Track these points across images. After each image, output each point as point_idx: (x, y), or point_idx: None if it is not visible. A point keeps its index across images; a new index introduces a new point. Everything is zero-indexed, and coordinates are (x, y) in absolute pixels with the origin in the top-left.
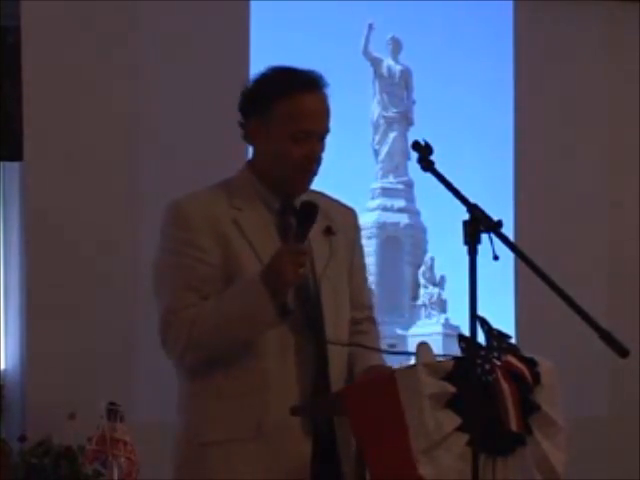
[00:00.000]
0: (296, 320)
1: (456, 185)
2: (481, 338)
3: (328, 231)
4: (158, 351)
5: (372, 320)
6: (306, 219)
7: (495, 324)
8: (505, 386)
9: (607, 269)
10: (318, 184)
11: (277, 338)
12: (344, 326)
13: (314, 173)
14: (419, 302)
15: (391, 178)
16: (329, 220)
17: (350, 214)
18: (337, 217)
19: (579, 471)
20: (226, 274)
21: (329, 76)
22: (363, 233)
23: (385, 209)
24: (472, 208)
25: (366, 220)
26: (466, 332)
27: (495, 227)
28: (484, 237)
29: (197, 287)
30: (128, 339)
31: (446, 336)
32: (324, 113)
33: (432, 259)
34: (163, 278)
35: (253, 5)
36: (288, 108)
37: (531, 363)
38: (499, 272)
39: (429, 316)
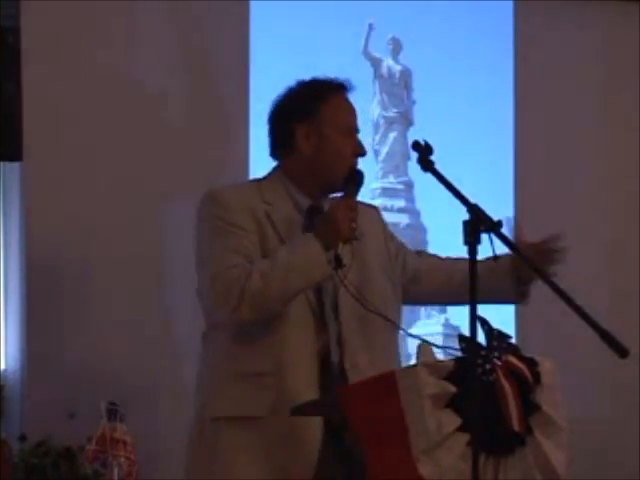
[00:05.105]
0: (314, 315)
1: (456, 185)
2: (481, 338)
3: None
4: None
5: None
6: (355, 180)
7: (495, 324)
8: (506, 386)
9: (607, 269)
10: None
11: (299, 324)
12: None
13: None
14: None
15: (391, 178)
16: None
17: (373, 211)
18: (361, 218)
19: (580, 471)
20: (262, 256)
21: (329, 76)
22: None
23: (385, 209)
24: (472, 208)
25: None
26: (466, 332)
27: (495, 227)
28: (484, 237)
29: (242, 252)
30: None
31: (446, 336)
32: (355, 110)
33: None
34: (207, 250)
35: (253, 5)
36: (335, 107)
37: (531, 363)
38: None
39: (429, 316)
